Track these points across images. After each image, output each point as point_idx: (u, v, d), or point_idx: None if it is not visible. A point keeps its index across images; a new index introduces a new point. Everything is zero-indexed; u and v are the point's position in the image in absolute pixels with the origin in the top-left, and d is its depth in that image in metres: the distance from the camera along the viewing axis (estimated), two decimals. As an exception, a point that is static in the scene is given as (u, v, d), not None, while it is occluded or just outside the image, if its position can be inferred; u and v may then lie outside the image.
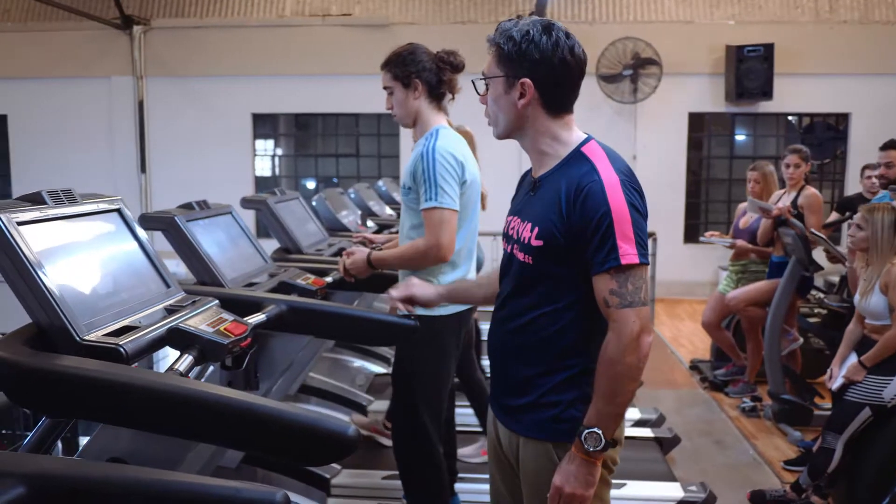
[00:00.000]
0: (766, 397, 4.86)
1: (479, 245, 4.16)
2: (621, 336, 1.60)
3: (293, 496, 3.19)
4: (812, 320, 5.28)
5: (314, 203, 4.55)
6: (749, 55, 8.52)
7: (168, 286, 1.98)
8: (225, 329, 1.77)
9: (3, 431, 3.67)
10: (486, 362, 4.66)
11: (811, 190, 4.89)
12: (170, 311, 1.84)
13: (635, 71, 8.68)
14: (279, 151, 10.07)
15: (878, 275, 3.35)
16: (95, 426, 1.83)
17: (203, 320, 1.79)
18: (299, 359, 3.25)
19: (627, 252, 1.59)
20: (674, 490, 3.52)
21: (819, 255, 4.60)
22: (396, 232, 3.40)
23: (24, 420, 3.01)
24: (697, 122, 9.26)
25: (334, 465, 3.59)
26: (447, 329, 2.66)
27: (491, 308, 1.93)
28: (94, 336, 1.56)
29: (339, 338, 3.56)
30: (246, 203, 3.63)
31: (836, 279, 5.77)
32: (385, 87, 2.70)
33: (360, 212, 5.10)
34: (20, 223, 1.59)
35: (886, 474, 3.22)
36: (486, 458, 3.73)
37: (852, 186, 8.50)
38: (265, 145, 10.00)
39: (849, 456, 3.33)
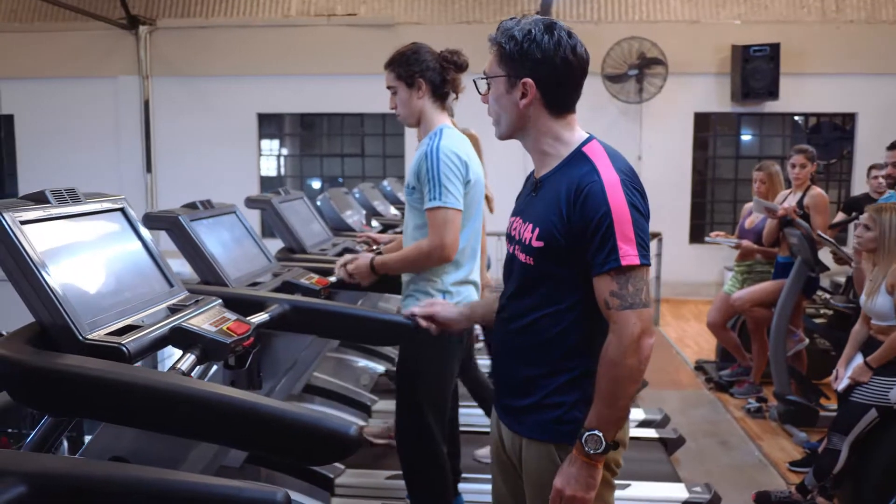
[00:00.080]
0: (771, 398, 4.84)
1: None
2: (622, 338, 1.59)
3: (297, 496, 3.20)
4: (818, 321, 5.26)
5: (319, 203, 4.56)
6: (755, 55, 8.49)
7: (171, 285, 1.98)
8: (227, 328, 1.77)
9: (10, 430, 3.68)
10: (484, 362, 4.69)
11: (817, 190, 4.87)
12: (173, 310, 1.84)
13: (641, 71, 8.66)
14: (284, 151, 10.08)
15: (884, 275, 3.34)
16: (100, 425, 1.83)
17: (206, 319, 1.79)
18: (303, 358, 3.25)
19: (628, 253, 1.57)
20: (678, 491, 3.51)
21: (825, 255, 4.58)
22: (401, 232, 3.40)
23: (31, 419, 3.01)
24: (703, 122, 9.24)
25: (338, 464, 3.59)
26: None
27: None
28: (97, 335, 1.56)
29: (342, 337, 3.56)
30: (250, 203, 3.63)
31: (842, 280, 5.76)
32: (389, 87, 2.70)
33: (364, 211, 5.10)
34: (24, 222, 1.59)
35: (892, 475, 3.21)
36: (392, 442, 3.73)
37: (859, 186, 8.47)
38: (270, 145, 10.02)
39: (854, 457, 3.32)
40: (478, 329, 3.89)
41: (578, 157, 1.69)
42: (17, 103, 9.26)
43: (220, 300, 1.98)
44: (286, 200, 3.70)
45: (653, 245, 7.54)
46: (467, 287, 2.73)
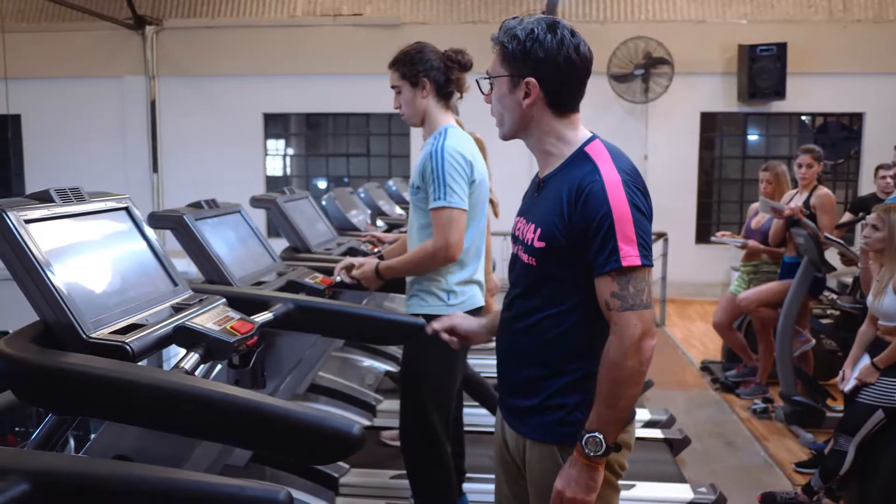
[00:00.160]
0: (777, 399, 4.82)
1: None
2: (622, 339, 1.58)
3: (302, 495, 3.20)
4: (824, 321, 5.24)
5: (324, 202, 4.56)
6: (762, 54, 8.47)
7: (175, 284, 1.98)
8: (231, 327, 1.77)
9: (17, 429, 3.69)
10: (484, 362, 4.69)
11: (824, 190, 4.85)
12: (176, 309, 1.84)
13: (647, 70, 8.65)
14: (290, 151, 10.10)
15: (891, 276, 3.32)
16: (105, 423, 1.83)
17: (209, 318, 1.79)
18: (307, 358, 3.25)
19: (629, 254, 1.56)
20: (683, 492, 3.49)
21: (832, 255, 4.56)
22: (405, 231, 3.40)
23: (37, 417, 3.03)
24: (709, 122, 9.22)
25: (343, 464, 3.59)
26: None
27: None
28: (101, 334, 1.57)
29: (346, 337, 3.56)
30: (255, 202, 3.63)
31: (849, 280, 5.73)
32: (393, 86, 2.70)
33: (369, 211, 5.10)
34: (28, 221, 1.59)
35: (899, 477, 3.19)
36: None
37: (866, 187, 8.43)
38: (276, 145, 10.04)
39: (861, 458, 3.31)
40: None
41: (580, 156, 1.68)
42: (24, 103, 9.30)
43: (225, 299, 1.98)
44: (291, 200, 3.71)
45: (659, 245, 7.59)
46: (472, 287, 2.73)
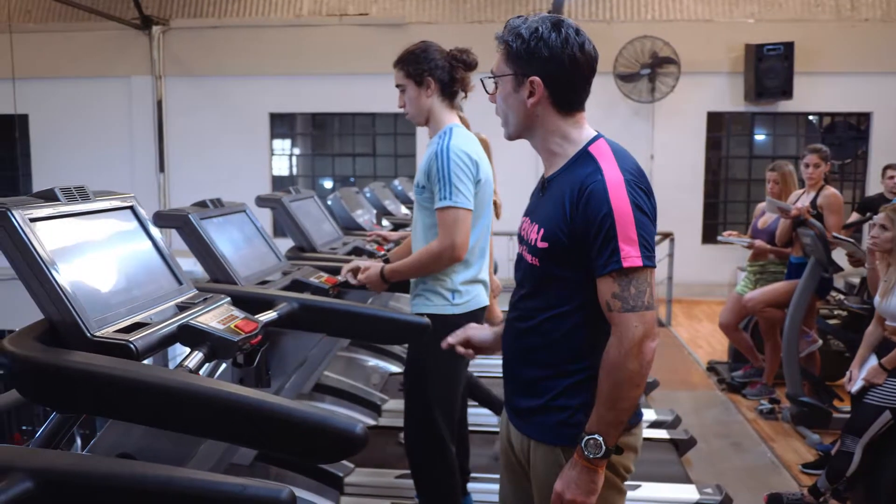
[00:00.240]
0: (784, 399, 4.80)
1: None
2: (623, 341, 1.56)
3: (307, 494, 3.20)
4: (832, 322, 5.22)
5: (329, 202, 4.56)
6: (769, 54, 8.44)
7: (180, 283, 1.98)
8: (235, 326, 1.78)
9: (24, 427, 3.71)
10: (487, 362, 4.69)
11: (831, 190, 4.83)
12: (181, 308, 1.84)
13: (653, 70, 8.63)
14: (296, 151, 10.11)
15: (898, 276, 3.30)
16: (109, 421, 1.83)
17: (214, 317, 1.79)
18: (313, 357, 3.25)
19: (630, 254, 1.55)
20: (689, 492, 3.48)
21: (839, 256, 4.54)
22: (411, 230, 3.39)
23: (44, 416, 3.03)
24: (716, 122, 9.19)
25: (348, 463, 3.59)
26: (460, 327, 2.65)
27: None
28: (105, 332, 1.57)
29: (350, 336, 3.56)
30: (261, 201, 3.64)
31: (856, 280, 5.71)
32: (397, 85, 2.69)
33: (375, 211, 5.11)
34: (33, 220, 1.60)
35: (906, 478, 3.18)
36: None
37: (874, 187, 8.40)
38: (282, 145, 10.05)
39: (868, 459, 3.29)
40: None
41: (584, 156, 1.67)
42: (31, 103, 9.33)
43: (229, 298, 1.98)
44: (296, 199, 3.71)
45: (665, 245, 7.57)
46: (476, 286, 2.72)
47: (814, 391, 4.66)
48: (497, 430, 3.85)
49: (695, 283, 8.71)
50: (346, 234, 4.16)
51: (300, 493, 3.18)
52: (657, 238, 1.70)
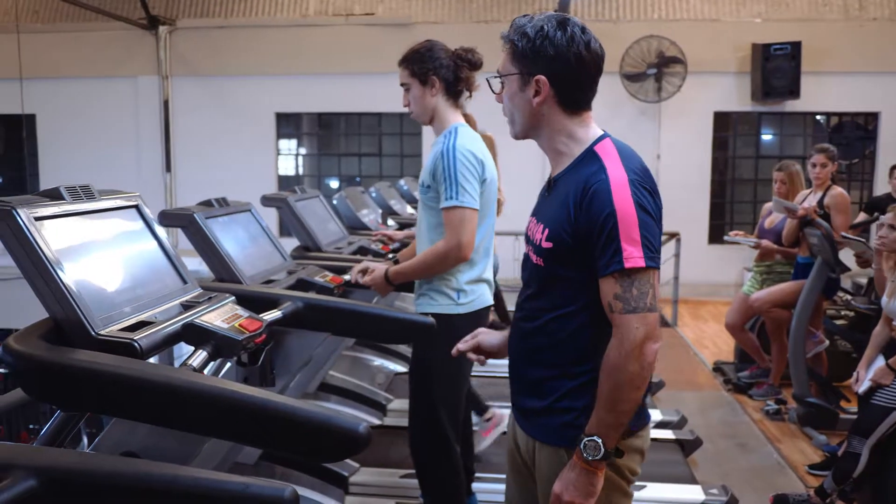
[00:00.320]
0: (790, 400, 4.79)
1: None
2: (623, 342, 1.55)
3: (312, 494, 3.20)
4: (839, 322, 5.19)
5: (335, 202, 4.57)
6: (776, 53, 8.40)
7: (185, 282, 1.98)
8: (240, 325, 1.78)
9: (31, 426, 3.72)
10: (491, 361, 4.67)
11: (838, 190, 4.81)
12: (186, 306, 1.85)
13: (659, 70, 8.61)
14: (302, 151, 10.13)
15: (906, 276, 3.29)
16: (114, 420, 1.84)
17: (218, 316, 1.79)
18: (318, 356, 3.26)
19: (632, 255, 1.53)
20: (695, 493, 3.47)
21: (846, 256, 4.51)
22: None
23: (51, 414, 3.04)
24: (723, 122, 9.16)
25: (353, 462, 3.59)
26: (464, 327, 2.63)
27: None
28: (110, 331, 1.57)
29: (355, 335, 3.56)
30: (266, 201, 3.64)
31: (863, 281, 5.68)
32: (402, 84, 2.69)
33: (380, 210, 5.11)
34: (38, 218, 1.61)
35: (913, 480, 3.16)
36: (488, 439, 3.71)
37: (881, 187, 8.36)
38: (289, 144, 10.07)
39: (875, 461, 3.27)
40: None
41: (589, 155, 1.65)
42: (38, 103, 9.38)
43: (234, 297, 1.99)
44: (302, 199, 3.72)
45: (671, 245, 7.55)
46: (481, 286, 2.72)
47: (820, 392, 4.64)
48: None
49: (701, 284, 8.69)
50: (352, 234, 4.16)
51: (305, 492, 3.18)
52: (663, 238, 1.68)
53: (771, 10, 8.83)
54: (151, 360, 1.69)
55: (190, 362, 1.61)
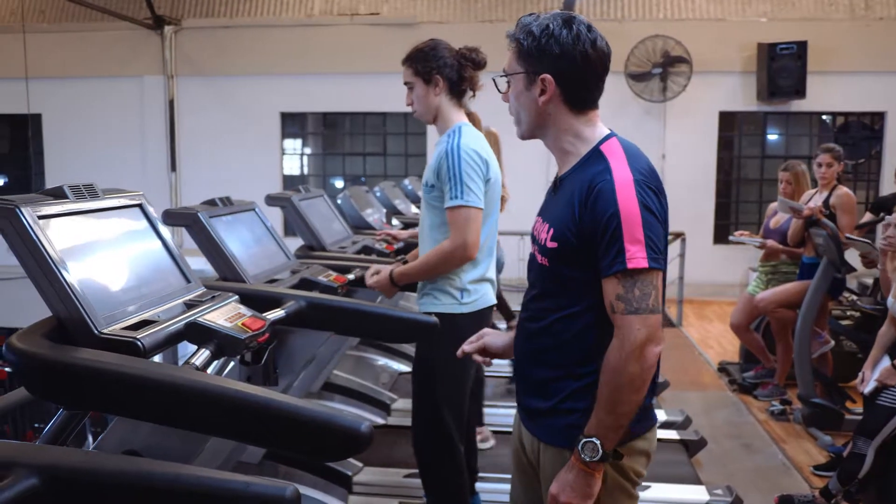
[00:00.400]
0: (795, 400, 4.77)
1: (500, 245, 4.15)
2: (624, 343, 1.53)
3: (315, 493, 3.20)
4: (844, 323, 5.17)
5: (339, 201, 4.57)
6: (782, 53, 8.38)
7: (188, 281, 1.99)
8: (243, 324, 1.78)
9: (36, 425, 3.73)
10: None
11: (844, 189, 4.79)
12: (189, 305, 1.85)
13: (665, 69, 8.59)
14: (307, 150, 10.13)
15: (912, 276, 3.27)
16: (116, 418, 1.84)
17: (221, 315, 1.79)
18: (321, 356, 3.26)
19: (635, 255, 1.52)
20: (699, 493, 3.46)
21: (852, 256, 4.50)
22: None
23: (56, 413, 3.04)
24: (728, 122, 9.14)
25: (357, 462, 3.59)
26: (468, 326, 2.63)
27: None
28: (113, 329, 1.58)
29: (358, 335, 3.56)
30: (270, 200, 3.64)
31: (869, 281, 5.66)
32: (406, 83, 2.68)
33: (385, 210, 5.11)
34: (41, 217, 1.61)
35: (919, 481, 3.14)
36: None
37: (888, 187, 8.32)
38: (293, 144, 10.07)
39: (880, 461, 3.25)
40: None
41: (595, 155, 1.64)
42: (44, 102, 9.40)
43: (237, 296, 1.99)
44: (306, 198, 3.72)
45: (676, 245, 7.53)
46: (484, 285, 2.72)
47: (826, 392, 4.62)
48: (509, 429, 3.86)
49: (706, 284, 8.67)
50: (356, 233, 4.16)
51: (309, 491, 3.18)
52: (668, 238, 1.67)
53: (777, 9, 8.80)
54: (156, 359, 1.69)
55: (193, 361, 1.61)
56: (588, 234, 1.57)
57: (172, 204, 9.45)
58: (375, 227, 4.55)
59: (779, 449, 4.29)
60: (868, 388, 3.38)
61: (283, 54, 9.29)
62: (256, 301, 2.08)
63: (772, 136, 9.41)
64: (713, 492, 3.45)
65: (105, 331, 1.56)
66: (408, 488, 3.46)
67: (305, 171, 10.08)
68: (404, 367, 5.02)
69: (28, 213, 1.57)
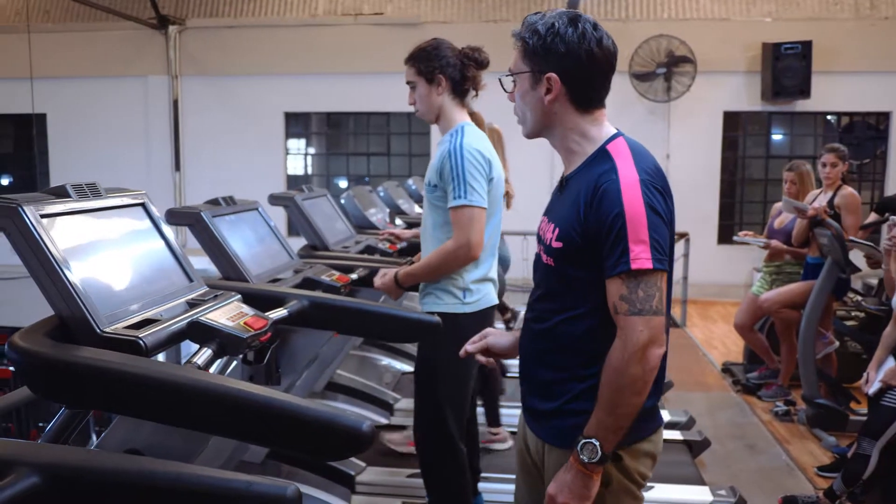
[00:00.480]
0: (799, 401, 4.76)
1: (505, 244, 4.15)
2: (626, 345, 1.52)
3: (318, 493, 3.21)
4: (849, 323, 5.16)
5: (343, 201, 4.57)
6: (786, 53, 8.35)
7: (191, 280, 1.98)
8: (245, 323, 1.78)
9: (40, 424, 3.73)
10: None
11: (848, 190, 4.77)
12: (191, 304, 1.85)
13: (669, 69, 8.57)
14: (311, 150, 10.14)
15: (917, 276, 3.26)
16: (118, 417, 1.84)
17: (223, 314, 1.79)
18: (325, 355, 3.26)
19: (639, 256, 1.51)
20: (703, 494, 3.46)
21: (856, 256, 4.48)
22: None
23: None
24: (732, 122, 9.11)
25: (360, 462, 3.59)
26: (470, 326, 2.63)
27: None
28: (115, 328, 1.57)
29: (361, 334, 3.55)
30: (274, 200, 3.64)
31: (874, 281, 5.64)
32: (408, 82, 2.68)
33: (388, 210, 5.11)
34: (44, 215, 1.61)
35: (924, 482, 3.13)
36: (411, 449, 3.69)
37: (893, 187, 8.30)
38: (297, 144, 10.08)
39: (885, 462, 3.24)
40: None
41: (601, 154, 1.63)
42: (49, 102, 9.43)
43: (239, 295, 1.99)
44: (309, 198, 3.72)
45: (680, 245, 7.52)
46: (487, 284, 2.71)
47: (830, 393, 4.61)
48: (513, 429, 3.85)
49: (710, 284, 8.65)
50: (359, 233, 4.16)
51: (312, 491, 3.18)
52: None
53: (781, 9, 8.78)
54: (159, 358, 1.69)
55: (195, 360, 1.61)
56: (593, 235, 1.56)
57: (177, 203, 9.46)
58: (379, 227, 4.55)
59: (783, 450, 4.28)
60: (872, 388, 3.37)
61: (287, 54, 9.30)
62: (259, 300, 2.08)
63: (776, 137, 9.39)
64: (717, 492, 3.44)
65: (107, 329, 1.55)
66: (411, 488, 3.46)
67: (309, 170, 10.09)
68: (407, 367, 5.02)
69: (31, 212, 1.57)
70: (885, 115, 8.83)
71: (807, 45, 8.31)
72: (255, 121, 9.57)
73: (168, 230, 2.02)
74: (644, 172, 1.57)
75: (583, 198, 1.59)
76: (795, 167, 5.11)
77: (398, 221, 5.00)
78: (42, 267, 1.55)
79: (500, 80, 1.78)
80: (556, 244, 1.64)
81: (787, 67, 8.37)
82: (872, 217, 5.68)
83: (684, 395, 5.07)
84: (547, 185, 7.35)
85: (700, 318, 8.03)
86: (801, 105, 8.75)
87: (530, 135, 1.74)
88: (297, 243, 3.51)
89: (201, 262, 2.47)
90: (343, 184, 9.87)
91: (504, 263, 4.13)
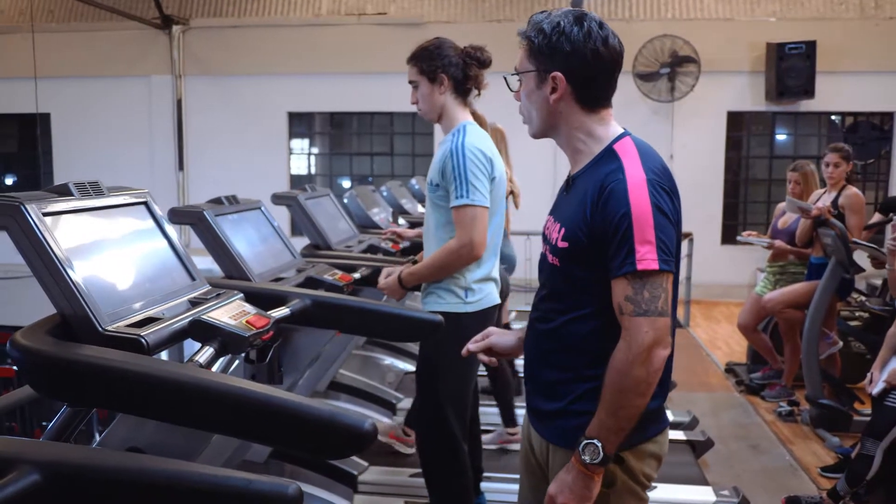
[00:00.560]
0: (803, 401, 4.75)
1: (511, 244, 4.14)
2: (631, 346, 1.51)
3: (321, 492, 3.20)
4: (853, 324, 5.15)
5: (345, 200, 4.57)
6: (791, 53, 8.35)
7: (193, 279, 1.98)
8: (247, 322, 1.77)
9: (43, 423, 3.73)
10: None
11: (852, 190, 4.76)
12: (193, 303, 1.84)
13: (673, 69, 8.56)
14: (314, 150, 10.15)
15: (921, 277, 3.25)
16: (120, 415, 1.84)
17: (226, 313, 1.79)
18: (327, 355, 3.26)
19: (645, 257, 1.50)
20: (706, 494, 3.45)
21: (860, 257, 4.47)
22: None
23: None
24: (736, 122, 9.10)
25: (362, 461, 3.59)
26: (472, 325, 2.62)
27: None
28: (117, 326, 1.57)
29: (363, 333, 3.55)
30: (276, 199, 3.64)
31: (878, 282, 5.63)
32: (410, 82, 2.67)
33: (391, 209, 5.11)
34: (46, 214, 1.61)
35: (928, 483, 3.12)
36: (412, 449, 3.69)
37: (897, 187, 8.29)
38: (301, 144, 10.09)
39: (888, 463, 3.23)
40: None
41: (608, 154, 1.62)
42: (53, 102, 9.43)
43: (242, 294, 1.98)
44: (312, 197, 3.72)
45: (684, 245, 7.45)
46: (488, 284, 2.71)
47: (834, 393, 4.59)
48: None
49: (714, 284, 8.64)
50: (362, 233, 4.16)
51: (314, 490, 3.18)
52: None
53: (785, 9, 8.76)
54: (162, 356, 1.69)
55: (197, 358, 1.61)
56: (599, 235, 1.55)
57: (180, 203, 9.47)
58: (382, 227, 4.54)
59: (786, 450, 4.27)
60: (876, 389, 3.36)
61: (291, 54, 9.31)
62: (261, 299, 2.08)
63: (780, 137, 9.38)
64: (720, 493, 3.43)
65: (109, 328, 1.55)
66: (413, 488, 3.46)
67: (312, 170, 10.10)
68: (410, 367, 5.02)
69: (33, 211, 1.57)
70: (890, 116, 8.81)
71: (811, 45, 8.29)
72: (258, 120, 9.58)
73: (171, 229, 2.02)
74: (651, 172, 1.56)
75: (589, 197, 1.58)
76: (799, 167, 5.10)
77: (401, 221, 5.00)
78: (44, 265, 1.55)
79: (505, 78, 1.77)
80: (561, 244, 1.63)
81: (791, 67, 8.36)
82: (876, 217, 5.66)
83: (688, 395, 5.06)
84: (549, 184, 7.35)
85: (703, 318, 8.02)
86: (805, 105, 8.74)
87: (536, 134, 1.73)
88: (301, 243, 3.51)
89: (205, 262, 2.47)
90: (346, 184, 9.88)
91: (510, 264, 4.12)
